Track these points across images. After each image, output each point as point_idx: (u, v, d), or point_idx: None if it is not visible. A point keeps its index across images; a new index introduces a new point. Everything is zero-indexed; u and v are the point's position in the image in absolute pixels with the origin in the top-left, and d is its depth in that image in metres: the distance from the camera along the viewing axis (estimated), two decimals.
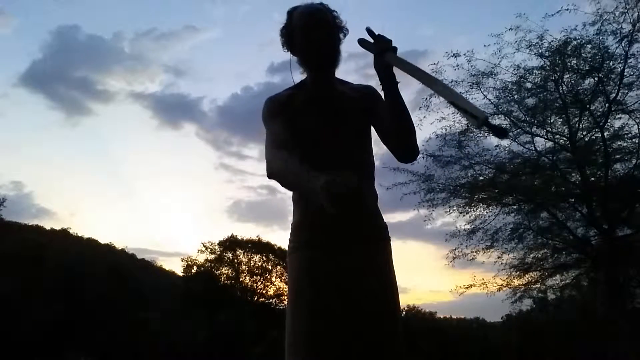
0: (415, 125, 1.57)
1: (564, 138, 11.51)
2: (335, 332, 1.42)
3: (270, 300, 33.50)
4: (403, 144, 1.56)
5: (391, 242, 1.63)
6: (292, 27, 1.61)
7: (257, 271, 33.07)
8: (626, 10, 9.60)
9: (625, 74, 10.03)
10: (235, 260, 33.08)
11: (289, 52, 1.66)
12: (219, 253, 33.18)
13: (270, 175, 1.47)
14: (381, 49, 1.47)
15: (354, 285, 1.48)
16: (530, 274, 12.73)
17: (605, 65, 10.13)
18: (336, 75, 1.68)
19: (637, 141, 10.79)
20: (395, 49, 1.47)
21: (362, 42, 1.56)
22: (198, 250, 33.22)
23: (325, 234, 1.51)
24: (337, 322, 1.43)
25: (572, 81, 10.89)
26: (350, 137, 1.60)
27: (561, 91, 10.98)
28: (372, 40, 1.52)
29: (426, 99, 11.27)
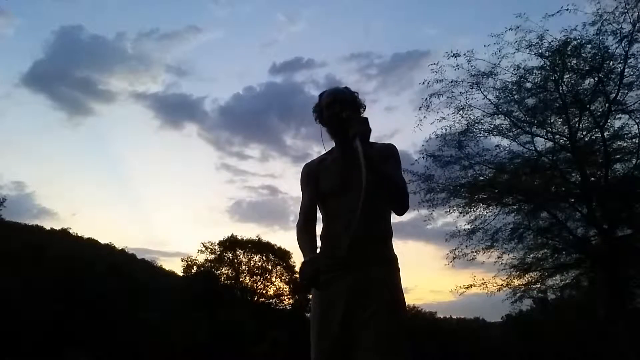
0: (403, 187, 1.90)
1: (564, 138, 11.50)
2: (336, 342, 1.78)
3: (270, 300, 33.52)
4: (392, 207, 1.95)
5: (398, 264, 1.95)
6: (321, 105, 2.07)
7: (257, 271, 33.09)
8: (626, 10, 9.60)
9: (625, 74, 10.03)
10: (235, 260, 33.09)
11: (320, 125, 2.10)
12: (219, 253, 33.20)
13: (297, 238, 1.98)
14: (352, 134, 1.77)
15: (357, 303, 1.80)
16: (530, 274, 12.72)
17: (605, 65, 10.12)
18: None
19: (637, 141, 10.78)
20: (360, 135, 1.76)
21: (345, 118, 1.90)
22: (198, 250, 33.28)
23: (335, 263, 1.88)
24: (337, 334, 1.79)
25: (572, 81, 10.88)
26: (360, 189, 1.86)
27: (561, 91, 10.98)
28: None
29: (426, 99, 11.30)
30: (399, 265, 1.96)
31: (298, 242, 1.93)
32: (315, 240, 1.96)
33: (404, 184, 1.94)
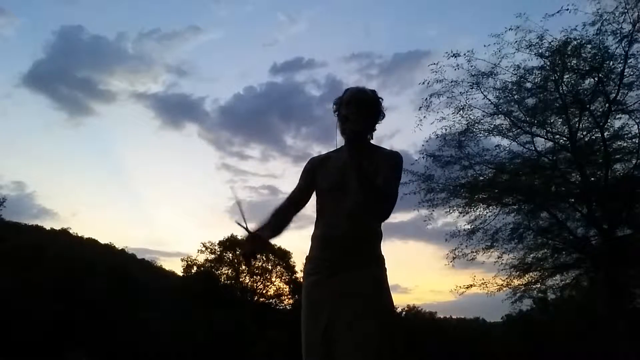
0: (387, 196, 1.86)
1: (564, 138, 11.49)
2: (323, 344, 1.80)
3: (270, 300, 33.51)
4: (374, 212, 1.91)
5: (385, 265, 1.97)
6: (342, 101, 2.02)
7: (257, 271, 33.07)
8: (626, 10, 9.59)
9: (625, 74, 10.01)
10: (235, 260, 33.07)
11: (337, 119, 2.04)
12: (219, 253, 33.18)
13: None
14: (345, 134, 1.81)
15: (343, 304, 1.82)
16: (530, 274, 12.71)
17: (605, 65, 10.11)
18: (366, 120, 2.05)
19: (637, 141, 10.77)
20: (354, 164, 1.75)
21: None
22: (198, 250, 33.26)
23: (324, 263, 1.91)
24: (324, 335, 1.80)
25: (572, 81, 10.86)
26: (355, 192, 1.87)
27: (561, 91, 10.97)
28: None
29: (426, 99, 11.29)
30: (386, 266, 1.98)
31: (272, 212, 2.01)
32: (280, 219, 2.01)
33: (391, 193, 1.88)
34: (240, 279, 32.75)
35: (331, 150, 2.14)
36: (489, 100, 11.29)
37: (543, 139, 11.62)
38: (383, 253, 2.00)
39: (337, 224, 1.91)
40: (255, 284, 33.15)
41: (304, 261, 2.05)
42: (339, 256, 1.89)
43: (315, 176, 2.08)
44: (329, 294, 1.85)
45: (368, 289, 1.83)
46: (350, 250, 1.88)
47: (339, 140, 2.05)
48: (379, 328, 1.76)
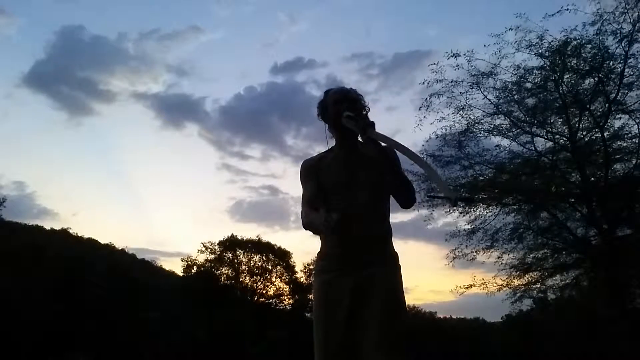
0: (409, 184, 1.93)
1: (564, 138, 11.50)
2: (342, 342, 1.79)
3: (270, 300, 33.50)
4: (400, 201, 1.96)
5: (400, 262, 1.96)
6: (327, 102, 2.05)
7: (257, 271, 33.07)
8: (626, 10, 9.60)
9: (625, 74, 10.02)
10: (235, 260, 33.07)
11: (323, 122, 2.08)
12: (219, 253, 33.18)
13: (304, 226, 1.91)
14: (362, 127, 1.78)
15: (360, 303, 1.81)
16: (530, 274, 12.72)
17: (605, 65, 10.12)
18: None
19: (637, 141, 10.78)
20: (373, 124, 1.78)
21: (347, 120, 1.87)
22: (198, 250, 33.24)
23: (338, 261, 1.89)
24: (343, 334, 1.79)
25: (572, 81, 10.88)
26: (364, 188, 1.94)
27: (561, 91, 10.98)
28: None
29: (426, 99, 11.30)
30: (400, 264, 1.97)
31: (309, 220, 1.85)
32: None
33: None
34: (240, 279, 32.76)
35: (323, 151, 2.12)
36: (489, 100, 11.32)
37: (543, 139, 11.65)
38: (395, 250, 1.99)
39: (349, 222, 1.84)
40: (255, 284, 33.15)
41: (315, 258, 2.03)
42: (355, 254, 1.87)
43: (317, 176, 2.05)
44: (347, 292, 1.83)
45: (386, 288, 1.82)
46: (365, 248, 1.87)
47: (330, 142, 2.09)
48: (401, 326, 1.77)
